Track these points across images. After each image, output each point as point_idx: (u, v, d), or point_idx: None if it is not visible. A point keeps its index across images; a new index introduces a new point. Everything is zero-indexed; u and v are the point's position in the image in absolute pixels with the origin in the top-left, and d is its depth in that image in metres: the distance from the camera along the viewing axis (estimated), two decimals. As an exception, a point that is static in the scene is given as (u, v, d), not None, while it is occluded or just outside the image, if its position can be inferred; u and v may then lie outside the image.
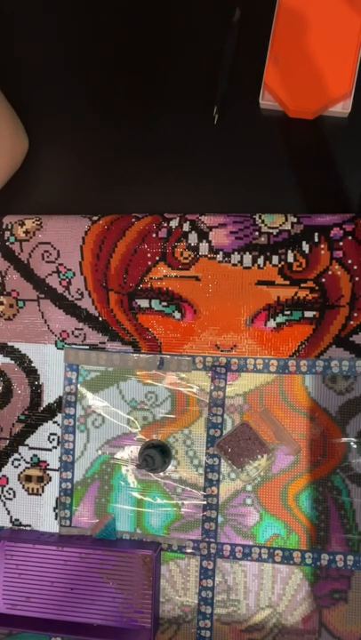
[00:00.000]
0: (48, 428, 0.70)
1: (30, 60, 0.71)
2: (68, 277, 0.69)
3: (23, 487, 0.70)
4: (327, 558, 0.64)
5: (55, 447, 0.70)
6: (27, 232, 0.70)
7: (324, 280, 0.64)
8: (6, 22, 0.72)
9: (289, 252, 0.65)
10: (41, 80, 0.71)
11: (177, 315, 0.67)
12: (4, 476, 0.71)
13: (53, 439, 0.70)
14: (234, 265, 0.66)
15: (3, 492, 0.71)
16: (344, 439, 0.64)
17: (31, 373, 0.70)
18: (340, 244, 0.64)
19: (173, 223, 0.67)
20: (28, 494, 0.70)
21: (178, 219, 0.67)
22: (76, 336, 0.69)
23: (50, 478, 0.70)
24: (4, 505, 0.71)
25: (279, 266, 0.65)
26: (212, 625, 0.66)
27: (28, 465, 0.70)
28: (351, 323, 0.64)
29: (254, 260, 0.65)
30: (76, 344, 0.69)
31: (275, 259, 0.65)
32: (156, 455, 0.65)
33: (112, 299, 0.68)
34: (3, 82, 0.65)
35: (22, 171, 0.70)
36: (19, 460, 0.70)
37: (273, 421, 0.65)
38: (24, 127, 0.69)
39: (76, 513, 0.69)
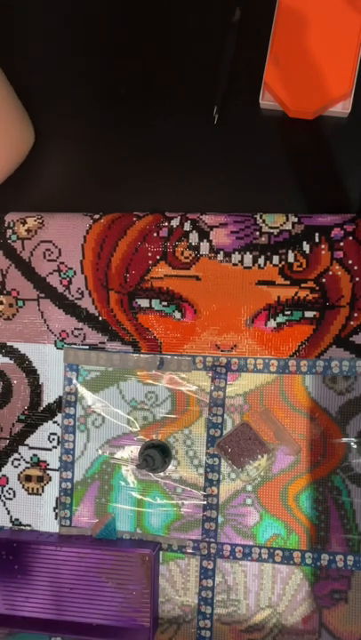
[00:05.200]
0: (48, 427, 0.70)
1: (37, 59, 0.71)
2: (69, 276, 0.69)
3: (23, 487, 0.70)
4: (327, 558, 0.64)
5: (55, 447, 0.70)
6: (28, 230, 0.69)
7: (324, 280, 0.64)
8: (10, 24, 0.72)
9: (289, 252, 0.65)
10: (43, 79, 0.71)
11: (177, 314, 0.67)
12: (3, 475, 0.71)
13: (53, 439, 0.70)
14: (234, 265, 0.66)
15: (3, 491, 0.71)
16: (344, 439, 0.64)
17: (31, 373, 0.70)
18: (341, 244, 0.64)
19: (174, 222, 0.67)
20: (28, 494, 0.70)
21: (179, 218, 0.67)
22: (76, 336, 0.69)
23: (50, 478, 0.70)
24: (4, 505, 0.71)
25: (280, 266, 0.65)
26: (212, 625, 0.66)
27: (28, 465, 0.70)
28: (351, 323, 0.64)
29: (255, 260, 0.65)
30: (75, 344, 0.69)
31: (275, 259, 0.65)
32: (156, 455, 0.65)
33: (112, 298, 0.68)
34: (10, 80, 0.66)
35: (24, 168, 0.70)
36: (19, 459, 0.70)
37: (273, 421, 0.65)
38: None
39: (76, 513, 0.69)
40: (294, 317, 0.65)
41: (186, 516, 0.67)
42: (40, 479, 0.70)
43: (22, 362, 0.70)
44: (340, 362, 0.64)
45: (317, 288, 0.64)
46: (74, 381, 0.69)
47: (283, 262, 0.65)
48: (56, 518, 0.69)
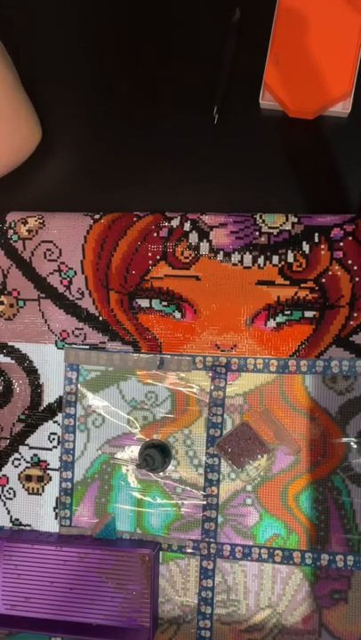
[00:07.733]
0: (48, 427, 0.70)
1: (37, 59, 0.71)
2: (70, 276, 0.69)
3: (23, 487, 0.70)
4: (327, 558, 0.64)
5: (55, 447, 0.70)
6: (29, 230, 0.70)
7: (324, 280, 0.64)
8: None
9: (289, 252, 0.65)
10: (44, 79, 0.71)
11: (177, 314, 0.67)
12: (4, 475, 0.71)
13: (54, 439, 0.70)
14: (234, 265, 0.66)
15: (3, 491, 0.71)
16: (344, 439, 0.64)
17: (31, 373, 0.70)
18: (341, 244, 0.64)
19: (174, 222, 0.67)
20: (29, 494, 0.70)
21: (179, 218, 0.67)
22: (77, 336, 0.69)
23: (50, 478, 0.70)
24: (4, 505, 0.71)
25: (279, 266, 0.65)
26: (212, 625, 0.66)
27: (29, 464, 0.70)
28: (351, 323, 0.64)
29: (254, 260, 0.65)
30: (76, 344, 0.69)
31: (275, 259, 0.65)
32: (156, 455, 0.65)
33: (112, 298, 0.68)
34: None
35: (25, 168, 0.69)
36: (19, 459, 0.70)
37: (273, 421, 0.65)
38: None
39: (76, 513, 0.69)
40: (294, 317, 0.65)
41: (186, 516, 0.67)
42: (40, 479, 0.70)
43: (23, 362, 0.70)
44: (339, 362, 0.64)
45: (317, 288, 0.64)
46: (74, 381, 0.69)
47: (282, 262, 0.65)
48: (56, 518, 0.69)
